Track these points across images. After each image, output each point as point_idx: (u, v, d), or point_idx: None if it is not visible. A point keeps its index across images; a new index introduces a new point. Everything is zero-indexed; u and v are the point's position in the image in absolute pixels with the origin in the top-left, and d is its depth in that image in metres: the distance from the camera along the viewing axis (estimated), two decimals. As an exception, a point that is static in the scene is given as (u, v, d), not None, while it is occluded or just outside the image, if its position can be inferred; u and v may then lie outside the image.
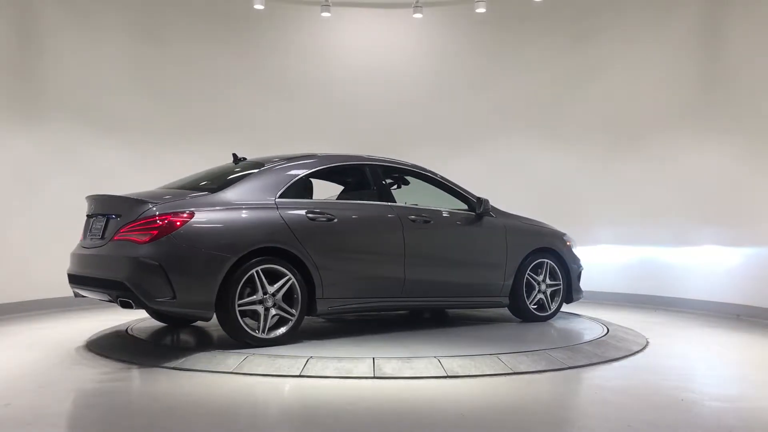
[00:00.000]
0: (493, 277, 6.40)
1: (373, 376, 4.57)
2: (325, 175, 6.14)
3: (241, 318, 5.08)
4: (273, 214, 5.25)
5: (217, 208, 5.11)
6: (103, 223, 5.29)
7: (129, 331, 5.98)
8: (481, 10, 9.03)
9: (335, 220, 5.52)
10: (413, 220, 5.94)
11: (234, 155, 6.15)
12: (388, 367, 4.69)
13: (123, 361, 5.06)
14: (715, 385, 4.68)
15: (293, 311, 5.26)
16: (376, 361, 4.77)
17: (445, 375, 4.61)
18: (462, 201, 6.42)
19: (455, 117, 9.58)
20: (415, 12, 9.27)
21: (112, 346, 5.47)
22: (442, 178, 6.46)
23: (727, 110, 7.88)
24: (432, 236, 6.10)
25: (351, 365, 4.71)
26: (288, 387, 4.39)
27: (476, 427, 3.70)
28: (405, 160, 6.58)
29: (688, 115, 8.31)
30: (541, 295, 6.64)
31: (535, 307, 6.61)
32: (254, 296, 5.11)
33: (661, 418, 3.83)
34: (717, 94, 8.02)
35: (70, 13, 8.25)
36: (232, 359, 4.85)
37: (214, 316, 5.12)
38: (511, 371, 4.73)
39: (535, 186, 9.24)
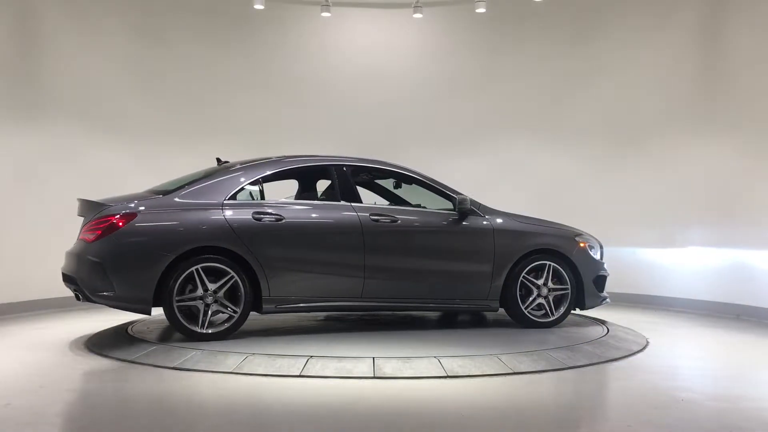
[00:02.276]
0: (475, 280, 6.06)
1: (373, 376, 4.57)
2: (285, 176, 6.18)
3: (182, 312, 5.38)
4: (216, 215, 5.48)
5: (161, 209, 5.46)
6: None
7: (129, 331, 5.98)
8: (481, 10, 9.02)
9: (283, 221, 5.61)
10: (375, 220, 5.85)
11: (218, 159, 6.29)
12: (388, 367, 4.69)
13: (123, 361, 5.06)
14: (715, 385, 4.68)
15: (236, 309, 5.45)
16: (376, 361, 4.78)
17: (445, 375, 4.61)
18: (446, 199, 6.23)
19: (455, 117, 9.57)
20: (415, 12, 9.26)
21: (112, 346, 5.46)
22: (420, 175, 6.29)
23: (728, 109, 7.88)
24: (398, 236, 5.92)
25: (351, 365, 4.72)
26: (288, 387, 4.39)
27: (476, 427, 3.70)
28: (378, 158, 6.47)
29: (687, 116, 8.31)
30: (541, 300, 6.20)
31: (541, 312, 6.22)
32: (194, 293, 5.39)
33: (661, 418, 3.83)
34: (717, 93, 8.01)
35: (70, 14, 8.23)
36: (232, 359, 4.86)
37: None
38: (511, 371, 4.73)
39: (534, 186, 9.23)
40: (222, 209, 5.51)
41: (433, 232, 6.08)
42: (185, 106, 9.03)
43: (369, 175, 6.48)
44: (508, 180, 9.30)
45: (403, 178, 6.37)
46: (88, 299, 5.39)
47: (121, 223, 5.31)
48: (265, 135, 9.16)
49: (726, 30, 8.02)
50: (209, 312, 5.40)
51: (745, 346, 6.15)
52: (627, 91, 8.83)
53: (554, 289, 6.25)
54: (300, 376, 4.58)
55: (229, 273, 5.41)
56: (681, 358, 5.52)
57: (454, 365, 4.75)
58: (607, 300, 6.57)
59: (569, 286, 6.26)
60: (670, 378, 4.79)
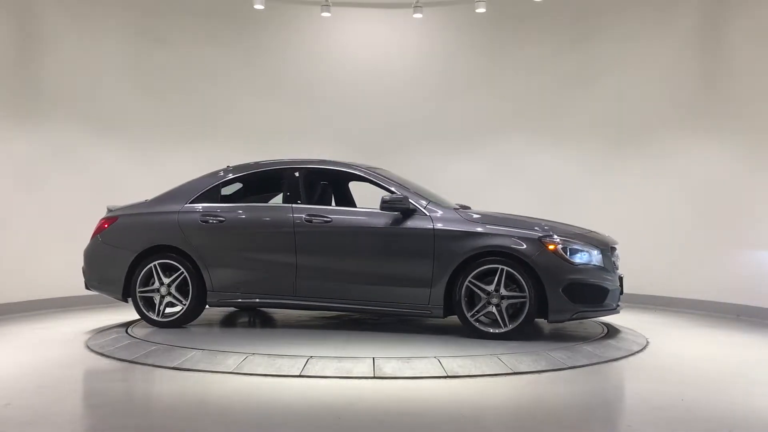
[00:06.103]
0: (411, 284, 5.72)
1: (373, 376, 4.58)
2: (242, 181, 6.52)
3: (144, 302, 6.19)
4: (171, 219, 6.20)
5: (138, 213, 6.36)
6: None
7: (129, 331, 5.99)
8: (481, 10, 9.02)
9: (224, 222, 6.07)
10: (308, 221, 5.91)
11: (227, 166, 6.57)
12: (388, 367, 4.69)
13: (123, 361, 5.07)
14: (715, 385, 4.68)
15: (185, 300, 6.10)
16: (376, 361, 4.79)
17: (445, 375, 4.61)
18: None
19: (455, 117, 9.57)
20: (415, 12, 9.26)
21: (112, 346, 5.47)
22: (365, 172, 6.19)
23: (728, 109, 7.88)
24: (329, 236, 5.90)
25: (351, 365, 4.72)
26: (288, 387, 4.39)
27: (476, 427, 3.70)
28: (330, 159, 6.56)
29: (688, 114, 8.31)
30: (491, 308, 5.56)
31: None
32: (153, 285, 6.14)
33: (662, 418, 3.83)
34: (718, 94, 8.01)
35: (70, 14, 8.23)
36: (232, 359, 4.86)
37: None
38: (511, 371, 4.73)
39: (534, 186, 9.22)
40: (178, 213, 6.19)
41: (366, 233, 5.89)
42: (186, 106, 9.03)
43: (312, 176, 6.46)
44: (507, 180, 9.30)
45: (346, 176, 6.53)
46: (86, 287, 6.50)
47: (106, 225, 6.39)
48: (265, 134, 9.18)
49: (726, 30, 8.01)
50: (164, 302, 6.12)
51: (745, 346, 6.15)
52: (627, 91, 8.82)
53: (508, 297, 5.57)
54: (300, 376, 4.58)
55: (179, 269, 6.08)
56: (681, 358, 5.52)
57: (454, 365, 4.75)
58: (597, 312, 5.77)
59: (527, 294, 5.54)
60: (670, 378, 4.79)
